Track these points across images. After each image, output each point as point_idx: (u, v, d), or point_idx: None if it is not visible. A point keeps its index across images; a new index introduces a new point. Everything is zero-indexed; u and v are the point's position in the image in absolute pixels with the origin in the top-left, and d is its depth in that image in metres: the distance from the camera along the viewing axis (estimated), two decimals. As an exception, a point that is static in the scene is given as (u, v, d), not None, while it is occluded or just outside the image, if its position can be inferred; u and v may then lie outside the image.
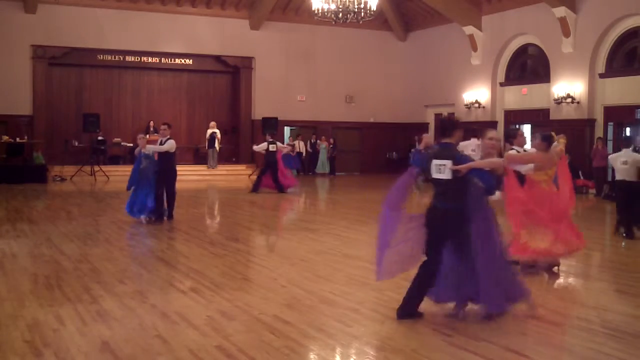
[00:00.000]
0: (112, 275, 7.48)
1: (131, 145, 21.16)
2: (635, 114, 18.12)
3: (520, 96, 21.83)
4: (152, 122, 23.27)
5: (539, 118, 20.77)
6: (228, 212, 14.19)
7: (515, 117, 22.11)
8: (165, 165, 11.64)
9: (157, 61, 24.11)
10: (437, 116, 25.63)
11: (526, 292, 5.80)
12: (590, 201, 16.86)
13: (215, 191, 18.89)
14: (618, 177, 10.64)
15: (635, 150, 10.92)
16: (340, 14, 17.57)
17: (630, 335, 5.41)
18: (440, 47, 24.75)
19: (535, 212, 7.39)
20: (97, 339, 5.13)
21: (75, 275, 7.34)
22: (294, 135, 25.27)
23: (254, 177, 22.97)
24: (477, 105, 22.88)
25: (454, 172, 5.50)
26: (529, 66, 22.03)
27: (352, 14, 17.53)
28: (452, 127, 5.78)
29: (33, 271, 7.58)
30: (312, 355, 5.01)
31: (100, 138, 22.47)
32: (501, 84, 22.49)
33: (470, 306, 5.81)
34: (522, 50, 21.95)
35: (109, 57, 23.37)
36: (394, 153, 26.80)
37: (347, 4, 17.37)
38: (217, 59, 24.61)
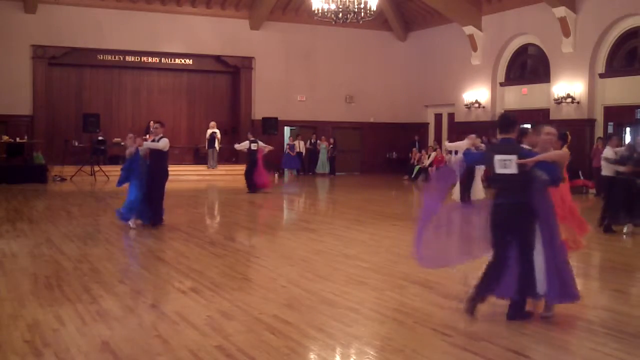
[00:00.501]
0: (112, 275, 7.48)
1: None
2: (635, 114, 18.12)
3: (520, 96, 21.83)
4: (152, 122, 23.15)
5: (539, 118, 20.74)
6: (228, 212, 14.19)
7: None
8: (157, 166, 11.01)
9: (157, 61, 24.11)
10: (437, 116, 25.69)
11: (576, 295, 5.78)
12: (590, 201, 16.84)
13: (215, 191, 18.88)
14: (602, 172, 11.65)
15: (635, 151, 10.99)
16: (340, 14, 17.57)
17: (630, 335, 5.41)
18: (440, 47, 24.75)
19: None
20: (97, 339, 5.13)
21: (75, 275, 7.34)
22: (294, 135, 25.28)
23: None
24: (477, 105, 22.88)
25: (520, 166, 5.54)
26: (529, 66, 22.04)
27: (352, 14, 17.53)
28: (512, 123, 5.89)
29: (33, 271, 7.58)
30: (312, 355, 5.01)
31: (100, 138, 22.46)
32: (501, 84, 22.49)
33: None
34: (522, 50, 21.96)
35: (109, 57, 23.36)
36: (394, 153, 26.82)
37: (347, 4, 17.37)
38: (217, 59, 24.61)
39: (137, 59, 23.74)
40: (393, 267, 7.99)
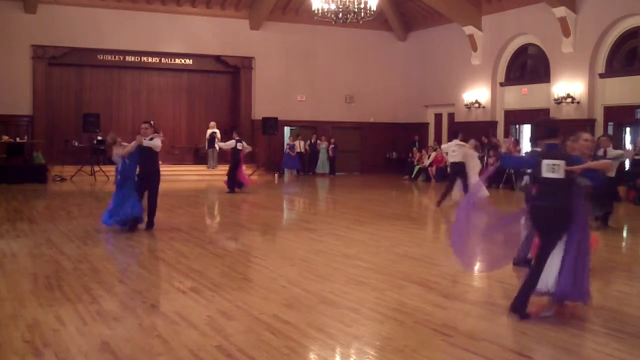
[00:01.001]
0: (112, 275, 7.48)
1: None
2: (635, 114, 18.12)
3: (520, 96, 21.83)
4: (152, 122, 23.24)
5: (539, 118, 20.76)
6: (228, 212, 14.18)
7: (515, 117, 22.12)
8: (149, 167, 10.64)
9: (157, 61, 24.11)
10: (437, 116, 25.70)
11: (588, 295, 5.96)
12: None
13: (215, 191, 18.85)
14: None
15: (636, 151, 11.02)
16: (340, 14, 17.56)
17: (630, 335, 5.41)
18: (440, 47, 24.75)
19: None
20: (97, 339, 5.13)
21: (75, 275, 7.34)
22: (294, 135, 25.28)
23: (254, 177, 23.07)
24: (477, 105, 22.88)
25: (567, 172, 5.77)
26: (529, 66, 22.03)
27: (352, 14, 17.52)
28: (557, 129, 6.10)
29: (33, 271, 7.58)
30: (312, 355, 5.00)
31: (99, 138, 22.46)
32: (501, 84, 22.49)
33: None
34: (522, 50, 21.95)
35: (109, 57, 23.36)
36: (394, 153, 26.82)
37: (347, 4, 17.36)
38: (217, 59, 24.61)
39: (137, 59, 23.75)
40: (393, 267, 7.99)
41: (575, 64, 19.28)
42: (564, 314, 5.92)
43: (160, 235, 10.34)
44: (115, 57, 23.42)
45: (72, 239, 9.70)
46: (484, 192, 15.16)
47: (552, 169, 5.81)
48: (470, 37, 22.90)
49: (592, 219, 10.95)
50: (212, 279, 7.21)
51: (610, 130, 18.78)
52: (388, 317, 5.83)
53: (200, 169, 23.49)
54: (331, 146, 25.38)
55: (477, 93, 22.93)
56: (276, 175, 24.45)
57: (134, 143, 10.45)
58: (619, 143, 17.50)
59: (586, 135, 6.69)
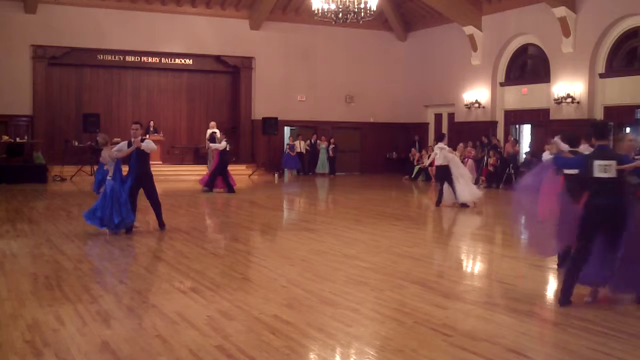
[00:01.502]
0: (112, 275, 7.49)
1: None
2: (635, 114, 18.12)
3: (520, 96, 21.82)
4: (152, 122, 23.30)
5: (539, 118, 20.77)
6: (228, 212, 14.19)
7: (515, 117, 22.12)
8: (141, 169, 10.45)
9: (157, 61, 24.10)
10: (437, 116, 25.69)
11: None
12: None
13: (215, 191, 18.84)
14: None
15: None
16: (340, 14, 17.56)
17: (630, 335, 5.41)
18: (440, 47, 24.75)
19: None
20: (97, 339, 5.13)
21: (75, 275, 7.34)
22: (294, 135, 25.27)
23: (254, 177, 23.09)
24: (477, 105, 22.88)
25: (619, 171, 6.14)
26: (529, 66, 22.03)
27: (352, 14, 17.52)
28: (608, 131, 6.59)
29: (33, 271, 7.58)
30: (312, 355, 5.01)
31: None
32: (501, 84, 22.49)
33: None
34: (522, 50, 21.95)
35: (109, 57, 23.35)
36: (394, 153, 26.81)
37: (347, 4, 17.36)
38: (217, 59, 24.61)
39: (137, 59, 23.74)
40: (393, 267, 7.99)
41: (575, 64, 19.28)
42: (604, 300, 6.39)
43: (161, 235, 10.35)
44: (115, 57, 23.41)
45: (72, 239, 9.70)
46: (478, 192, 15.18)
47: (604, 169, 6.16)
48: (470, 37, 22.91)
49: None
50: (212, 279, 7.22)
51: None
52: (388, 317, 5.83)
53: (201, 169, 23.46)
54: (331, 146, 25.38)
55: (477, 93, 22.93)
56: (276, 175, 24.45)
57: (132, 147, 10.41)
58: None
59: (630, 136, 7.10)
